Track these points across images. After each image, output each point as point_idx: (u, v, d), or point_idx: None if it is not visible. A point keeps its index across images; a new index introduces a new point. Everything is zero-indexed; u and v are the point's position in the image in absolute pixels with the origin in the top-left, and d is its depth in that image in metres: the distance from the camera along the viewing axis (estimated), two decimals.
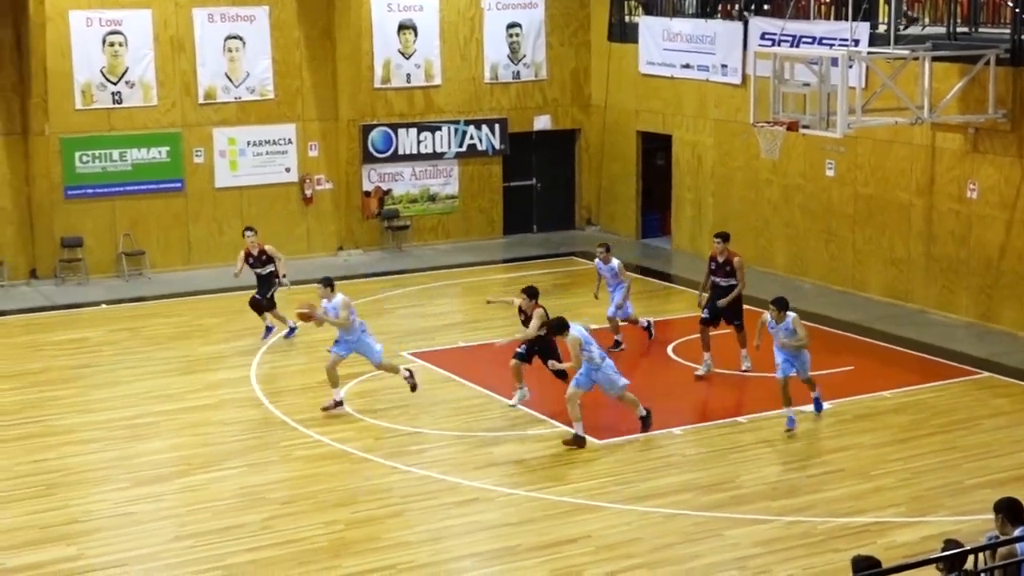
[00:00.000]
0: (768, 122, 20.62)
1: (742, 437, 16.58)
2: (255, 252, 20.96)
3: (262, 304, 20.99)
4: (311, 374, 19.12)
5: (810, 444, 16.49)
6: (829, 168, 24.24)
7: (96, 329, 20.25)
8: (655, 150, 29.36)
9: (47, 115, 25.95)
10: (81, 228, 26.45)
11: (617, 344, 20.24)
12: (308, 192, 28.37)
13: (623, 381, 16.44)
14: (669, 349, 20.45)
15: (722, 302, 18.94)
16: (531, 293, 17.60)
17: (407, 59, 28.75)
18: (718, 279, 19.11)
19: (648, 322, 21.03)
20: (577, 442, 16.13)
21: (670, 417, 17.16)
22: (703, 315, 19.17)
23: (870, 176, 23.49)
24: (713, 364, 18.90)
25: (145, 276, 26.42)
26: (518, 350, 17.37)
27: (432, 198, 29.53)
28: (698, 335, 19.26)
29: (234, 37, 27.34)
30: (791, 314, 16.69)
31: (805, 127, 20.22)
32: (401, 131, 28.94)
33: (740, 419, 17.24)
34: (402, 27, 28.63)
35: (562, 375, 17.22)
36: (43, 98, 25.85)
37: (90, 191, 26.62)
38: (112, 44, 26.34)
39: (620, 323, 20.45)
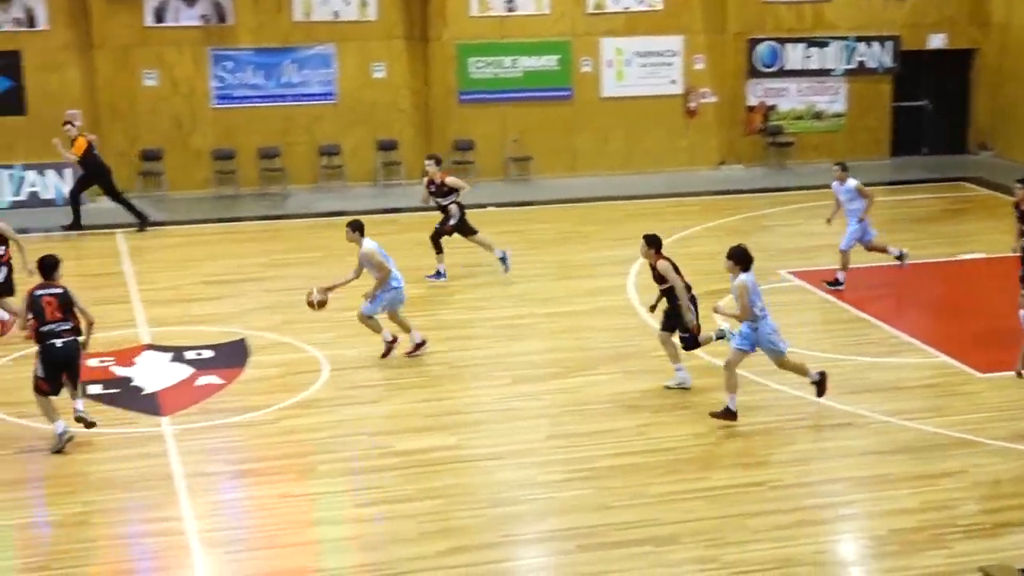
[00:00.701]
0: None
1: None
2: (437, 182, 20.35)
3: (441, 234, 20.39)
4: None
5: None
6: None
7: (483, 230, 20.90)
8: None
9: (445, 21, 26.89)
10: (473, 132, 27.39)
11: (836, 282, 19.14)
12: (692, 105, 28.36)
13: (784, 344, 14.49)
14: None
15: None
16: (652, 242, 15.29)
17: None
18: None
19: (901, 252, 19.48)
20: (727, 415, 14.41)
21: None
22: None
23: None
24: None
25: (531, 181, 27.16)
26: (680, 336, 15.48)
27: (817, 115, 28.99)
28: None
29: None
30: None
31: None
32: (788, 46, 28.47)
33: None
34: None
35: (691, 342, 15.41)
36: (442, 4, 26.79)
37: (482, 96, 27.48)
38: None
39: (872, 249, 19.31)
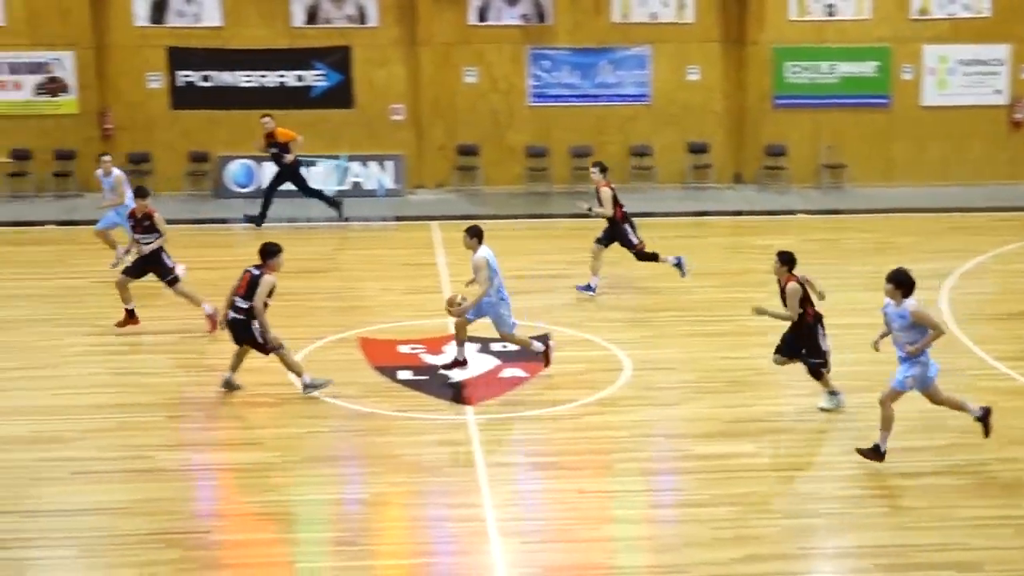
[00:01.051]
0: None
1: None
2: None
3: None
4: (1006, 304, 18.52)
5: None
6: None
7: (792, 237, 20.75)
8: None
9: (762, 25, 26.67)
10: (785, 137, 27.09)
11: None
12: (1018, 116, 27.26)
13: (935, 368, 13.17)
14: None
15: None
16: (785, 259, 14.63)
17: None
18: None
19: None
20: (875, 455, 13.25)
21: None
22: None
23: None
24: None
25: (844, 189, 26.66)
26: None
27: None
28: None
29: None
30: None
31: None
32: None
33: None
34: None
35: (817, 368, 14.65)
36: (760, 8, 26.57)
37: (797, 101, 27.14)
38: None
39: None
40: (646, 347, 16.97)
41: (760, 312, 14.50)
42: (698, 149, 27.30)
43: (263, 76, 26.65)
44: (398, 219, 24.83)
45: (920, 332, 12.92)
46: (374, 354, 16.99)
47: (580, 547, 11.94)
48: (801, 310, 14.49)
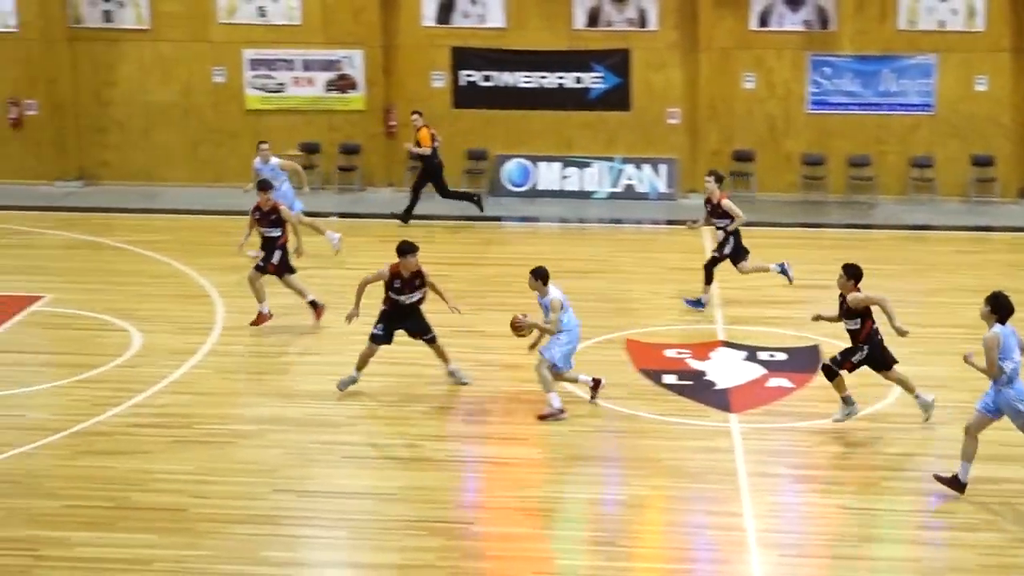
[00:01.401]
0: None
1: None
2: (714, 202, 19.00)
3: None
4: None
5: None
6: None
7: None
8: None
9: None
10: None
11: None
12: None
13: None
14: None
15: None
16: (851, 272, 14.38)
17: None
18: None
19: None
20: (954, 484, 12.88)
21: None
22: None
23: None
24: None
25: None
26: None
27: None
28: None
29: None
30: None
31: None
32: None
33: None
34: None
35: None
36: None
37: None
38: None
39: None
40: (918, 364, 16.52)
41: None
42: (983, 162, 26.39)
43: (543, 77, 27.04)
44: (669, 223, 24.85)
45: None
46: (640, 357, 17.08)
47: (840, 564, 11.78)
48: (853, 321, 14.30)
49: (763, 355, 17.11)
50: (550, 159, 27.06)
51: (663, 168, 26.80)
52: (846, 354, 14.47)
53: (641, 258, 22.43)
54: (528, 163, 27.04)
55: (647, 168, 26.88)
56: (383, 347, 15.64)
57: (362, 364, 15.60)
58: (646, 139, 26.89)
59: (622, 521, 12.75)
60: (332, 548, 12.27)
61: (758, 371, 16.62)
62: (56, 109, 27.49)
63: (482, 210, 24.91)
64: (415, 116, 24.66)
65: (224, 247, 21.58)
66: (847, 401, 14.57)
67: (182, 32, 27.36)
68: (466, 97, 27.30)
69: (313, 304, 18.24)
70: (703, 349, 17.36)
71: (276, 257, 18.09)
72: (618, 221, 25.22)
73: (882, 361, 14.53)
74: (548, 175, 26.98)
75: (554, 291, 14.99)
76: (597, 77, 26.96)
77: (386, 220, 24.51)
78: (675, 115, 26.71)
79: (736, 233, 19.07)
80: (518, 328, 15.14)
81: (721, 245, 19.19)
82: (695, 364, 16.83)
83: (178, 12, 27.29)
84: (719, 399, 15.63)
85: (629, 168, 26.91)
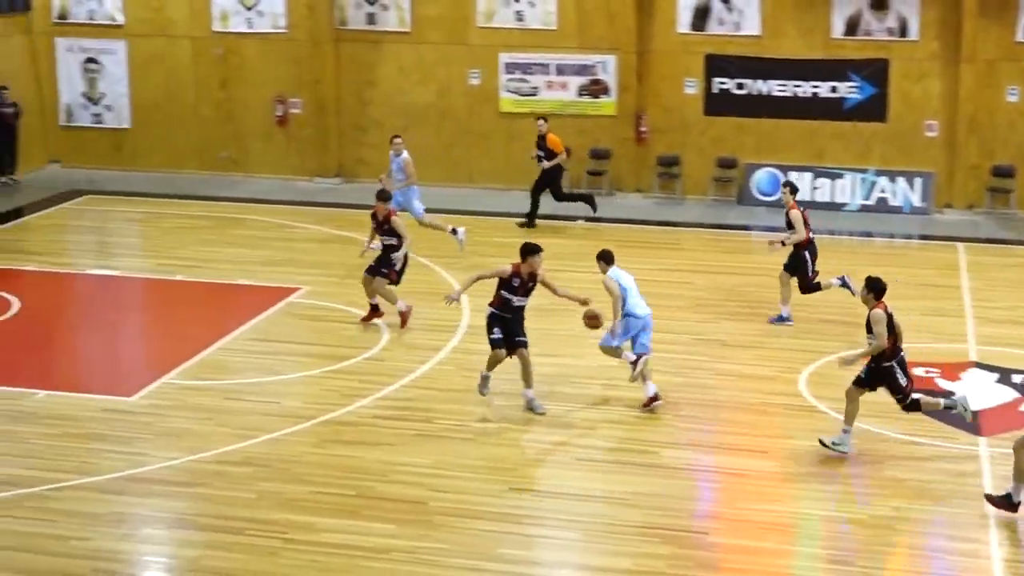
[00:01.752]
0: None
1: None
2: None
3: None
4: None
5: None
6: None
7: None
8: None
9: None
10: None
11: None
12: None
13: None
14: None
15: None
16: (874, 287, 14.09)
17: None
18: None
19: None
20: (1006, 505, 12.49)
21: None
22: None
23: None
24: None
25: None
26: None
27: None
28: None
29: None
30: None
31: None
32: None
33: None
34: None
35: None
36: None
37: None
38: None
39: None
40: None
41: (849, 362, 13.87)
42: None
43: (797, 86, 26.64)
44: (923, 238, 24.19)
45: None
46: None
47: None
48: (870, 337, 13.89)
49: (1017, 378, 16.52)
50: (801, 169, 26.65)
51: (918, 181, 26.09)
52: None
53: (891, 273, 21.85)
54: (778, 172, 26.69)
55: (901, 181, 26.21)
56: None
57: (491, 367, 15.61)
58: (901, 151, 26.22)
59: (861, 540, 12.50)
60: (565, 549, 12.40)
61: (1011, 394, 16.06)
62: (319, 108, 28.45)
63: (595, 210, 24.77)
64: (541, 122, 24.71)
65: (471, 248, 21.99)
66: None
67: (441, 35, 27.98)
68: (718, 104, 27.12)
69: (374, 308, 18.59)
70: (953, 369, 16.87)
71: (396, 264, 18.47)
72: (868, 234, 24.68)
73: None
74: (798, 185, 26.52)
75: (613, 274, 15.37)
76: (853, 87, 26.43)
77: (633, 225, 24.60)
78: (933, 127, 25.97)
79: (800, 246, 18.65)
80: (591, 318, 15.38)
81: (807, 261, 18.73)
82: (944, 384, 16.36)
83: (438, 16, 27.92)
84: (969, 422, 15.16)
85: (883, 180, 26.29)
